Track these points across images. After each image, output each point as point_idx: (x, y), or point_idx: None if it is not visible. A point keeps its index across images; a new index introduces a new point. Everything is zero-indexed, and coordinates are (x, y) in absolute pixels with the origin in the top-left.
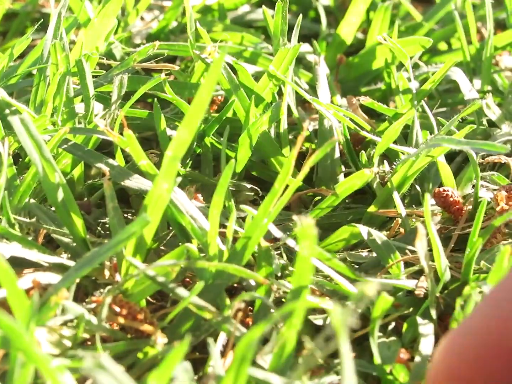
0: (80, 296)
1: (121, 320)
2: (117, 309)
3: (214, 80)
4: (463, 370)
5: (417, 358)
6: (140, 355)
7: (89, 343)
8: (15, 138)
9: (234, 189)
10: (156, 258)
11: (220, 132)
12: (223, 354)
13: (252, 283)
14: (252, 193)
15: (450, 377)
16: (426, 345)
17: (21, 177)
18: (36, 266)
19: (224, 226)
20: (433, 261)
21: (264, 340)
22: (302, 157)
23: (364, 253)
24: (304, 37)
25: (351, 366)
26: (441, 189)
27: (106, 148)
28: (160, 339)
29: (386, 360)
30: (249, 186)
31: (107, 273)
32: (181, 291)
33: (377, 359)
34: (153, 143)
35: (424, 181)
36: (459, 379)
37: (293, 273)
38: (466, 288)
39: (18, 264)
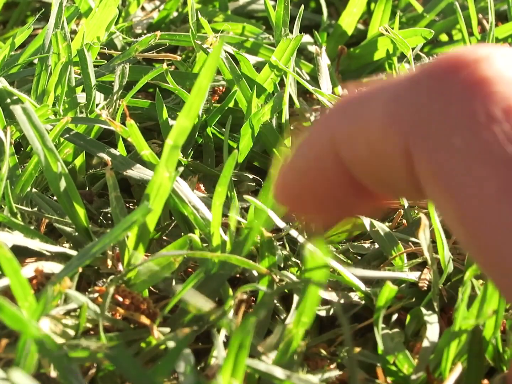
0: (83, 285)
1: (122, 311)
2: (120, 299)
3: (214, 67)
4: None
5: (425, 343)
6: (143, 344)
7: (92, 332)
8: (17, 127)
9: (236, 179)
10: (159, 248)
11: (221, 122)
12: (226, 344)
13: (255, 273)
14: (254, 184)
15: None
16: (432, 333)
17: (23, 167)
18: (39, 255)
19: (227, 217)
20: (436, 253)
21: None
22: None
23: (367, 244)
24: (305, 28)
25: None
26: None
27: (107, 138)
28: (157, 333)
29: (390, 351)
30: (251, 176)
31: (109, 262)
32: (179, 286)
33: (380, 348)
34: (154, 133)
35: None
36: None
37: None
38: (466, 275)
39: (21, 253)
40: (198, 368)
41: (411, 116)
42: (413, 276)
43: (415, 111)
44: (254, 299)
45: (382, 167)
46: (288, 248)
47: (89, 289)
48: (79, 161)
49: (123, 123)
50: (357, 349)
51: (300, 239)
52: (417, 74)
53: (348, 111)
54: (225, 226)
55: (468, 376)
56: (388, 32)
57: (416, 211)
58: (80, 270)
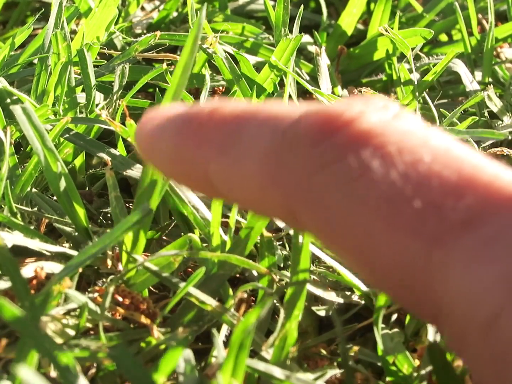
0: (83, 285)
1: (122, 310)
2: (120, 298)
3: (196, 40)
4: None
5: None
6: (143, 344)
7: (92, 332)
8: (16, 127)
9: None
10: (159, 248)
11: None
12: (226, 344)
13: (255, 273)
14: None
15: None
16: (432, 333)
17: (23, 167)
18: (38, 255)
19: (227, 217)
20: None
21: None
22: None
23: None
24: (305, 28)
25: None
26: None
27: (107, 138)
28: (157, 333)
29: (389, 351)
30: None
31: (109, 262)
32: (181, 283)
33: (380, 348)
34: None
35: None
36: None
37: (291, 263)
38: None
39: (20, 253)
40: (198, 368)
41: (291, 179)
42: None
43: (294, 174)
44: (254, 299)
45: (258, 207)
46: (288, 248)
47: (89, 289)
48: (79, 161)
49: (123, 123)
50: (355, 348)
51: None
52: (293, 134)
53: (225, 141)
54: (225, 226)
55: None
56: (388, 32)
57: None
58: (80, 270)
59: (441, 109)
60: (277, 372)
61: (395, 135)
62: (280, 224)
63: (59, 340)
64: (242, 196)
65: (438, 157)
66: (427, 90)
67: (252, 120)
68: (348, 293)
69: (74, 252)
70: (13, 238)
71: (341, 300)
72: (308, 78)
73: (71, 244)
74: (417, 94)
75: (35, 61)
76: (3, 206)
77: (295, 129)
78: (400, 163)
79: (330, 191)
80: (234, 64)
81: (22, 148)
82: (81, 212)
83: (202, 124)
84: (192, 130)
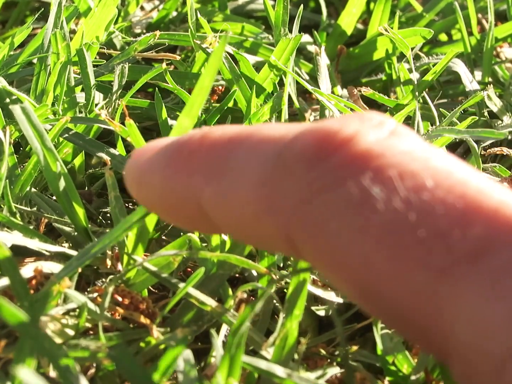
0: (82, 285)
1: (121, 310)
2: (119, 298)
3: (216, 67)
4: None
5: None
6: (142, 344)
7: (91, 332)
8: (16, 127)
9: None
10: (158, 248)
11: (221, 122)
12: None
13: (254, 273)
14: None
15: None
16: None
17: (22, 166)
18: (38, 255)
19: None
20: None
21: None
22: None
23: None
24: (305, 28)
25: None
26: None
27: (106, 138)
28: (156, 333)
29: (389, 351)
30: None
31: (109, 262)
32: (180, 284)
33: (379, 348)
34: (154, 133)
35: None
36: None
37: (291, 262)
38: None
39: (20, 253)
40: (198, 367)
41: (287, 204)
42: None
43: (290, 199)
44: (253, 299)
45: (254, 237)
46: None
47: (88, 289)
48: (78, 160)
49: (122, 123)
50: (355, 348)
51: None
52: (287, 156)
53: (218, 166)
54: None
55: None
56: (388, 32)
57: None
58: (80, 270)
59: (441, 109)
60: (279, 371)
61: (395, 156)
62: None
63: (58, 340)
64: (237, 225)
65: (441, 181)
66: (426, 89)
67: (245, 143)
68: None
69: (73, 252)
70: (13, 238)
71: (340, 300)
72: (307, 77)
73: (71, 244)
74: (416, 94)
75: (35, 60)
76: (2, 206)
77: (290, 151)
78: (402, 189)
79: (329, 218)
80: (234, 64)
81: (21, 148)
82: (80, 212)
83: (192, 152)
84: (182, 160)
